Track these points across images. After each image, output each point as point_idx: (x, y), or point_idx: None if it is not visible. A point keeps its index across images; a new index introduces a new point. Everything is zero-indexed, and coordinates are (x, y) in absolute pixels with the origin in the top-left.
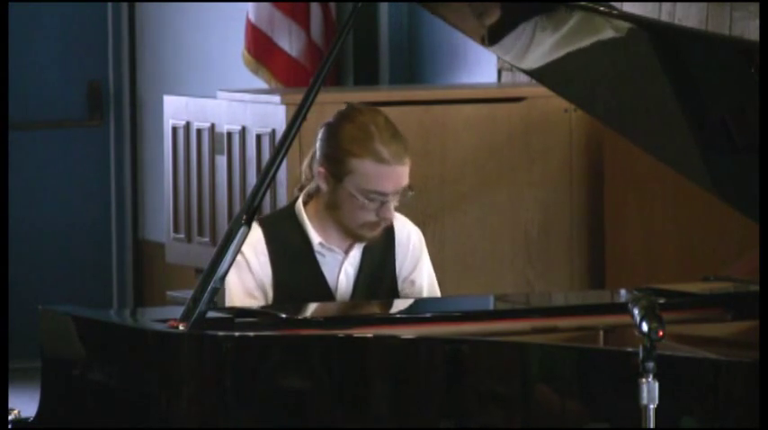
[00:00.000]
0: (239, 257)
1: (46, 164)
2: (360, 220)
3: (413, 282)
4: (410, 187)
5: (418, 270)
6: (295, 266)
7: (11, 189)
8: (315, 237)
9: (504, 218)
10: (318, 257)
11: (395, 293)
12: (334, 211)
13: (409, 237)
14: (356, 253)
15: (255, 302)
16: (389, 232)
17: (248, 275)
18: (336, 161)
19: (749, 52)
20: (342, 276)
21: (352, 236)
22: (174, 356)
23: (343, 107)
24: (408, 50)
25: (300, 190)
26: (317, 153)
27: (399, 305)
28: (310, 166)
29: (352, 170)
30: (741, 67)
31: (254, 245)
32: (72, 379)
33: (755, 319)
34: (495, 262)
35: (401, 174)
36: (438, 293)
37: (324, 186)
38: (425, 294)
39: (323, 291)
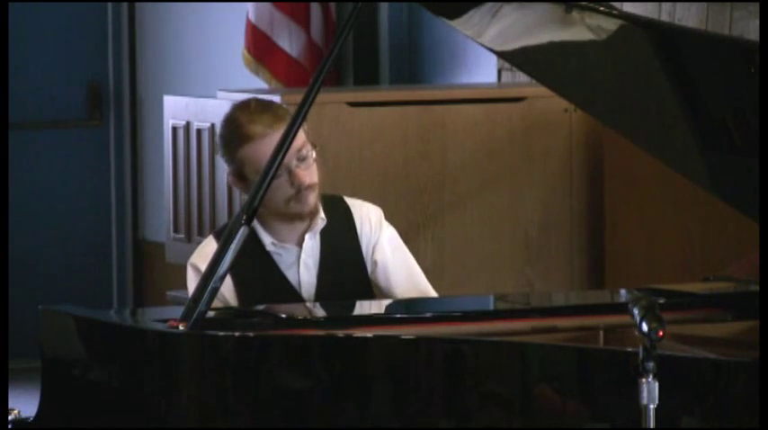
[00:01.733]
0: (192, 274)
1: (46, 164)
2: (282, 200)
3: (376, 263)
4: (313, 145)
5: (379, 247)
6: (254, 271)
7: (11, 189)
8: (266, 238)
9: (504, 218)
10: (275, 257)
11: (364, 277)
12: (265, 207)
13: (369, 217)
14: (312, 243)
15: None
16: (348, 217)
17: None
18: (230, 163)
19: (749, 52)
20: (302, 269)
21: (292, 219)
22: (174, 356)
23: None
24: (408, 50)
25: None
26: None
27: (399, 305)
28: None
29: (243, 161)
30: (741, 67)
31: (210, 257)
32: (72, 379)
33: (755, 319)
34: (495, 262)
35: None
36: (417, 269)
37: (241, 190)
38: (391, 269)
39: (286, 288)
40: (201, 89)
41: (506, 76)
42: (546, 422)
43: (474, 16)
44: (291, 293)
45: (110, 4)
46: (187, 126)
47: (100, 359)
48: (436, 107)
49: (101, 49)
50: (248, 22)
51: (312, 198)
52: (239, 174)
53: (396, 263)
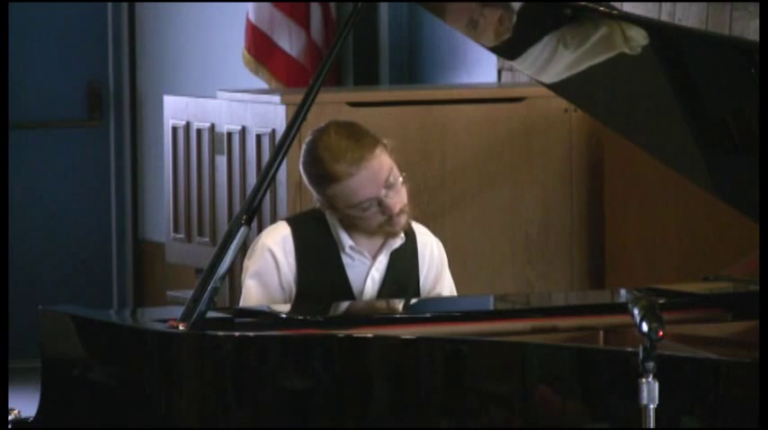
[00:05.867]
0: (269, 260)
1: (46, 164)
2: (374, 225)
3: (439, 296)
4: (399, 169)
5: (441, 284)
6: (320, 269)
7: (11, 189)
8: (346, 240)
9: (504, 218)
10: (346, 261)
11: None
12: (350, 225)
13: (432, 249)
14: (383, 258)
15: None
16: (413, 241)
17: (274, 276)
18: (319, 194)
19: (749, 52)
20: (368, 282)
21: (381, 235)
22: (174, 356)
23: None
24: (408, 50)
25: None
26: None
27: (399, 305)
28: None
29: (333, 197)
30: (741, 67)
31: (282, 243)
32: (72, 379)
33: (755, 319)
34: (495, 262)
35: (373, 171)
36: None
37: (331, 214)
38: None
39: (347, 295)
40: (201, 89)
41: (506, 76)
42: (546, 422)
43: (472, 17)
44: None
45: (110, 4)
46: (187, 126)
47: (100, 359)
48: (436, 107)
49: (101, 49)
50: (248, 22)
51: (403, 219)
52: (330, 206)
53: None
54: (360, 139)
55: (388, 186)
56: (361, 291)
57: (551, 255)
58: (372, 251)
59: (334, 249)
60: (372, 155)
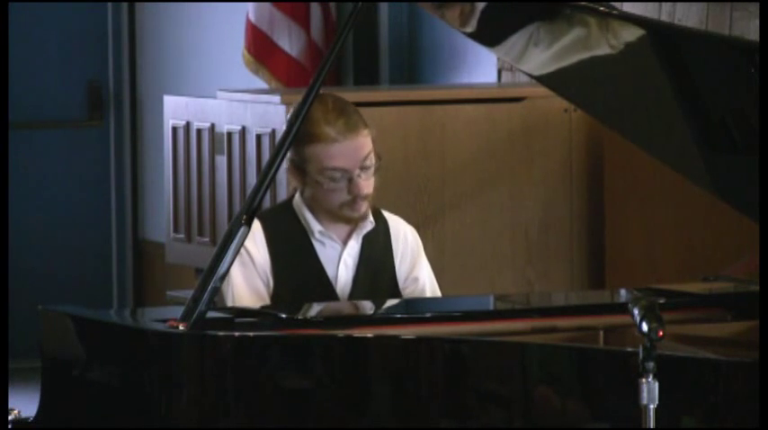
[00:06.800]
0: (243, 253)
1: (46, 164)
2: (336, 202)
3: (416, 279)
4: (378, 156)
5: (419, 267)
6: (294, 258)
7: (11, 189)
8: (315, 225)
9: (504, 218)
10: (318, 247)
11: (395, 290)
12: (315, 202)
13: (405, 236)
14: (354, 244)
15: (262, 301)
16: (386, 230)
17: (253, 271)
18: (294, 154)
19: (749, 52)
20: (341, 266)
21: (340, 219)
22: (174, 356)
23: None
24: (408, 50)
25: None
26: None
27: (399, 305)
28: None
29: (308, 158)
30: (741, 67)
31: (254, 238)
32: (72, 379)
33: (755, 319)
34: (495, 262)
35: (356, 146)
36: (437, 288)
37: (295, 181)
38: (428, 289)
39: (323, 282)
40: (201, 89)
41: (506, 76)
42: (546, 422)
43: (472, 17)
44: (327, 288)
45: (110, 4)
46: (187, 126)
47: (100, 359)
48: (436, 107)
49: (101, 49)
50: (248, 22)
51: (364, 206)
52: (299, 168)
53: (432, 284)
54: (353, 115)
55: (363, 168)
56: (336, 277)
57: (551, 255)
58: (342, 236)
59: (305, 235)
60: (361, 132)
